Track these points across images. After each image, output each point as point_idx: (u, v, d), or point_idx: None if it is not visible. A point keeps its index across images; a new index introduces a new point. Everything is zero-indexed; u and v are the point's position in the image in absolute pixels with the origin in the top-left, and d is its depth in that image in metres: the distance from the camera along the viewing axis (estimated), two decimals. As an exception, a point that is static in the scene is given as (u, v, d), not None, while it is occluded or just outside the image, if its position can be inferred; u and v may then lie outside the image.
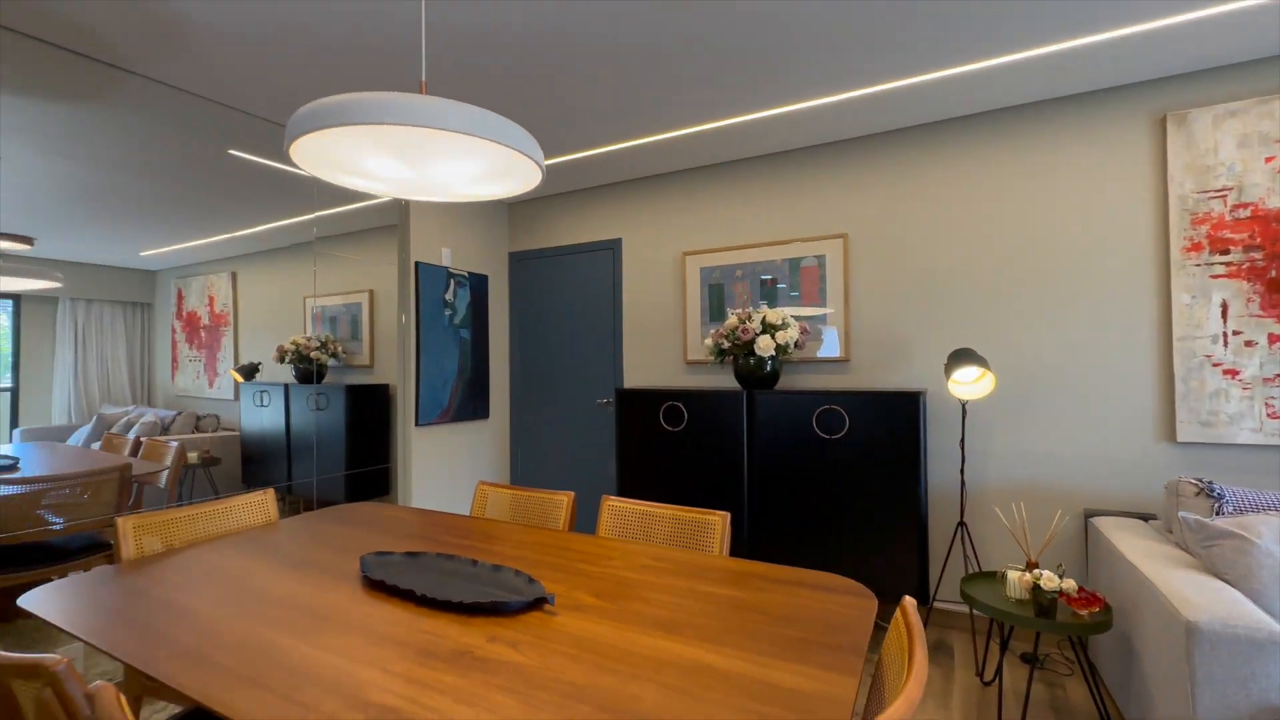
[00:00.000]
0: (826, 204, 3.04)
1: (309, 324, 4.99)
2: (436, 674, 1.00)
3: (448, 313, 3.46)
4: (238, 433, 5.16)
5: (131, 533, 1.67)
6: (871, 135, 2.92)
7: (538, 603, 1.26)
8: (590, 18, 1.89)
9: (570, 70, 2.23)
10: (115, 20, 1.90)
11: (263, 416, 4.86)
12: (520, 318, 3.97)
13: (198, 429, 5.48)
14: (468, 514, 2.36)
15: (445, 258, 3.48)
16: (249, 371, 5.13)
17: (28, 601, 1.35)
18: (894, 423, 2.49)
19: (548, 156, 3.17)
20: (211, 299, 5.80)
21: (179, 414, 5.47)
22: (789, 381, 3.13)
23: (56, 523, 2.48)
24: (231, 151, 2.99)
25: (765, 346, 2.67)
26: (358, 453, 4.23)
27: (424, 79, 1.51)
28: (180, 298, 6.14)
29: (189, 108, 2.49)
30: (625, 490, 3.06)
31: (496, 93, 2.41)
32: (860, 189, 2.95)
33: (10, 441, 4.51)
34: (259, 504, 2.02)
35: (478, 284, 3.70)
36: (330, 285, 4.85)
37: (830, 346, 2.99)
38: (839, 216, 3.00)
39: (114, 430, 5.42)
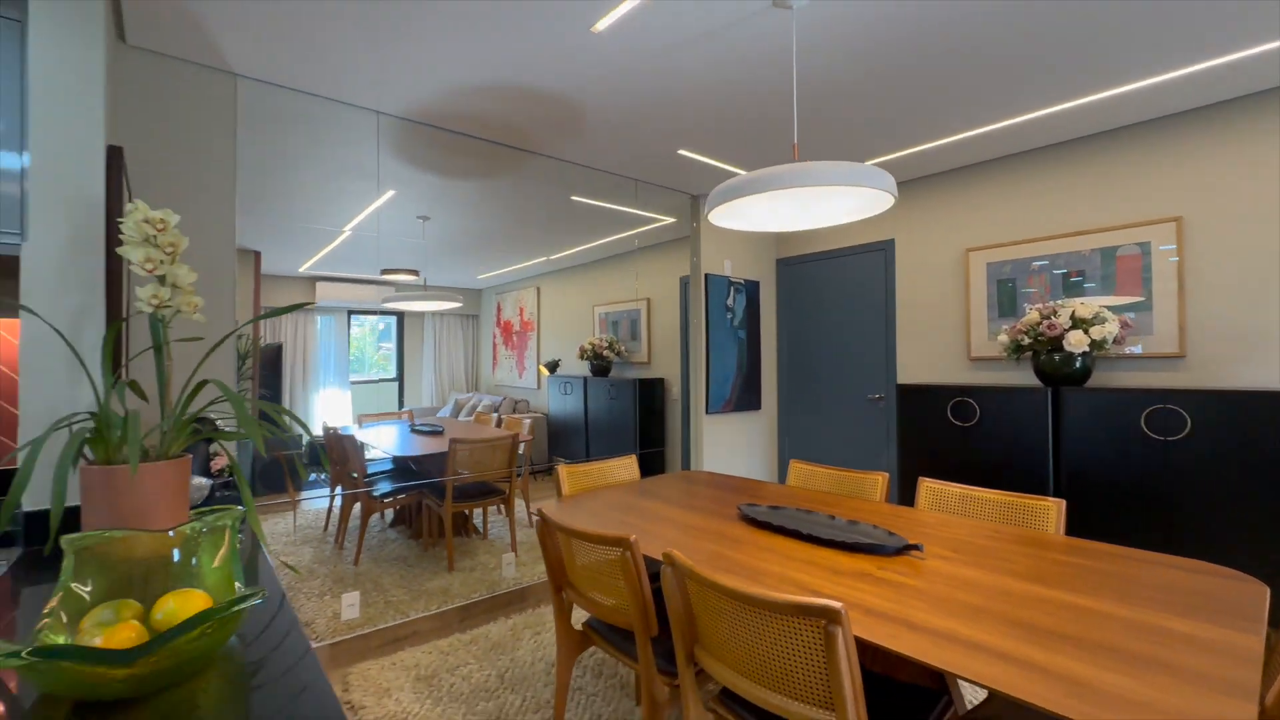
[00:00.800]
0: (1152, 186, 2.78)
1: (596, 327, 6.05)
2: (853, 583, 1.39)
3: (728, 316, 3.97)
4: (542, 414, 6.49)
5: (566, 477, 2.43)
6: (1214, 105, 2.60)
7: (907, 549, 1.57)
8: (891, 25, 2.14)
9: (859, 83, 2.50)
10: (533, 118, 2.73)
11: (565, 403, 6.04)
12: (788, 319, 4.33)
13: (515, 411, 6.98)
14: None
15: (727, 268, 4.00)
16: (553, 366, 6.40)
17: (549, 511, 2.11)
18: (1251, 426, 2.22)
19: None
20: (521, 309, 7.36)
21: (502, 399, 7.03)
22: (1101, 379, 2.93)
23: (463, 473, 3.57)
24: (573, 198, 3.90)
25: (1077, 342, 2.59)
26: (643, 436, 5.04)
27: (795, 142, 1.93)
28: (499, 309, 7.87)
29: (560, 171, 3.37)
30: (906, 480, 3.21)
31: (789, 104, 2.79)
32: (1200, 167, 2.64)
33: (400, 416, 6.23)
34: (627, 466, 2.70)
35: (751, 290, 4.15)
36: (613, 295, 5.82)
37: (1160, 341, 2.74)
38: (1170, 198, 2.73)
39: (462, 411, 7.17)
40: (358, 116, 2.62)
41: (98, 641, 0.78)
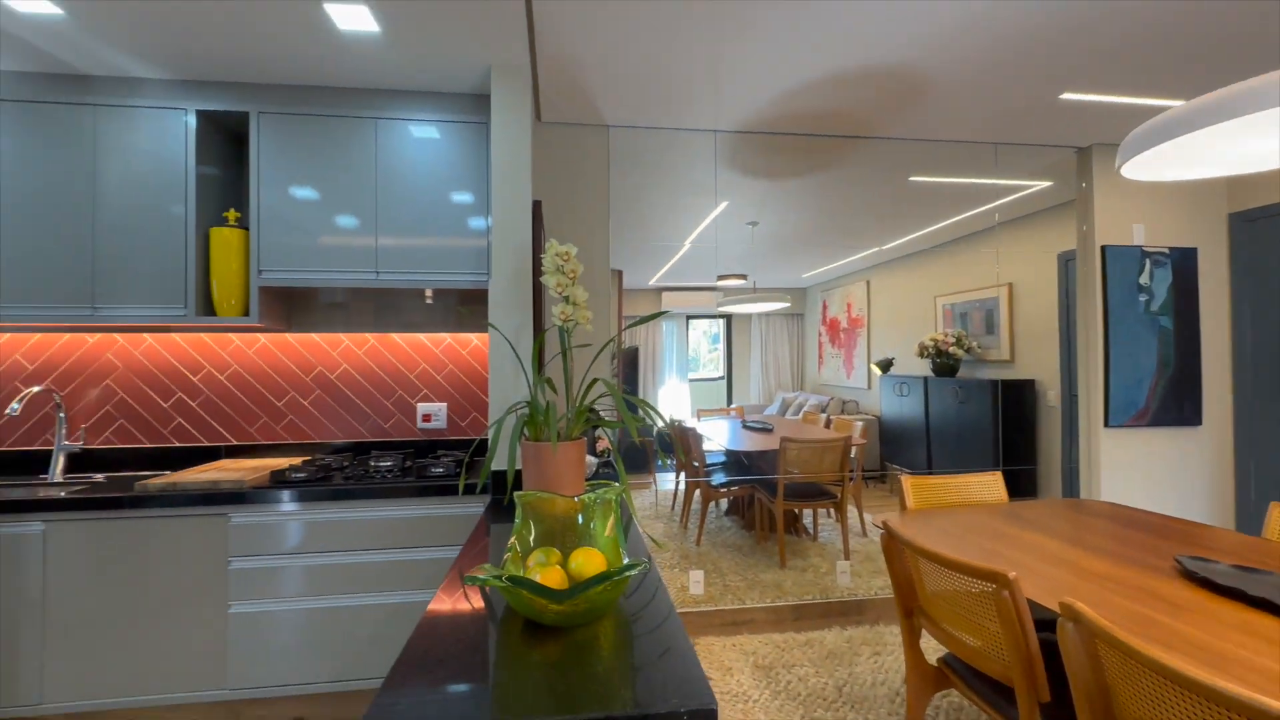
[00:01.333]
0: None
1: (939, 321, 5.33)
2: None
3: (1142, 299, 2.98)
4: (873, 417, 6.04)
5: (912, 488, 2.18)
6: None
7: None
8: None
9: None
10: (866, 101, 2.54)
11: (900, 405, 5.50)
12: (1252, 298, 3.02)
13: (844, 412, 6.69)
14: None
15: (1137, 235, 3.01)
16: (885, 365, 5.90)
17: (892, 523, 1.96)
18: None
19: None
20: (849, 305, 7.02)
21: (829, 399, 6.81)
22: None
23: (792, 473, 3.54)
24: (911, 178, 3.51)
25: None
26: (1006, 449, 4.20)
27: None
28: (824, 307, 7.68)
29: (895, 152, 3.07)
30: None
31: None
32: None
33: (729, 413, 6.51)
34: (989, 484, 2.28)
35: (1182, 261, 3.03)
36: (960, 283, 5.03)
37: None
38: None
39: (789, 410, 7.21)
40: (698, 139, 2.89)
41: (538, 578, 1.03)
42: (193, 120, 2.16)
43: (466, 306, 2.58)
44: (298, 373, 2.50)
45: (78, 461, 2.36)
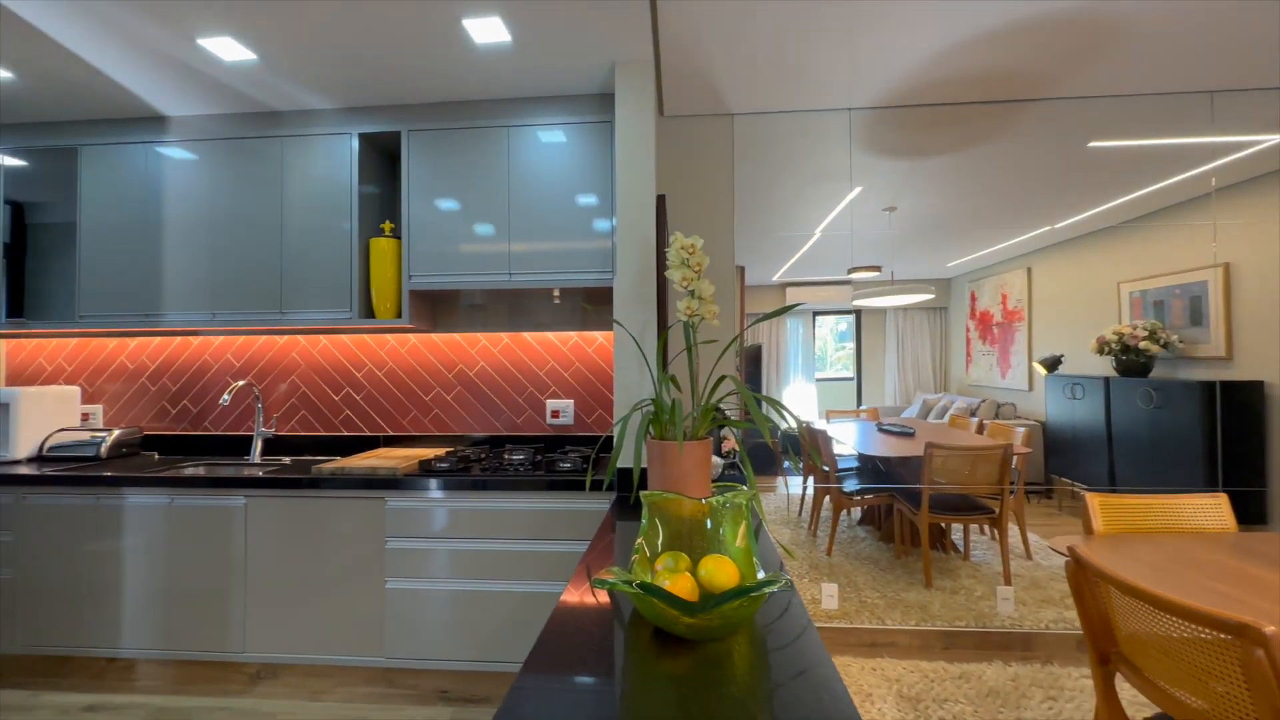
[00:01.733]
0: None
1: (1124, 311, 4.53)
2: None
3: None
4: (1036, 423, 5.29)
5: (1099, 509, 1.84)
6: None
7: None
8: None
9: None
10: (1034, 56, 2.18)
11: (1072, 410, 4.76)
12: None
13: (998, 415, 5.95)
14: None
15: None
16: (1052, 364, 5.14)
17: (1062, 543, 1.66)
18: None
19: None
20: (1004, 296, 6.23)
21: (980, 402, 6.10)
22: None
23: (939, 482, 3.16)
24: (1091, 144, 3.00)
25: None
26: (1227, 465, 3.45)
27: None
28: (973, 299, 6.90)
29: (1071, 114, 2.63)
30: None
31: None
32: None
33: (860, 415, 6.05)
34: (1209, 509, 1.85)
35: None
36: (1155, 265, 4.23)
37: None
38: None
39: (931, 412, 6.57)
40: (830, 120, 2.69)
41: (667, 584, 0.98)
42: (356, 143, 2.40)
43: (592, 304, 2.62)
44: (442, 370, 2.69)
45: (270, 446, 2.74)
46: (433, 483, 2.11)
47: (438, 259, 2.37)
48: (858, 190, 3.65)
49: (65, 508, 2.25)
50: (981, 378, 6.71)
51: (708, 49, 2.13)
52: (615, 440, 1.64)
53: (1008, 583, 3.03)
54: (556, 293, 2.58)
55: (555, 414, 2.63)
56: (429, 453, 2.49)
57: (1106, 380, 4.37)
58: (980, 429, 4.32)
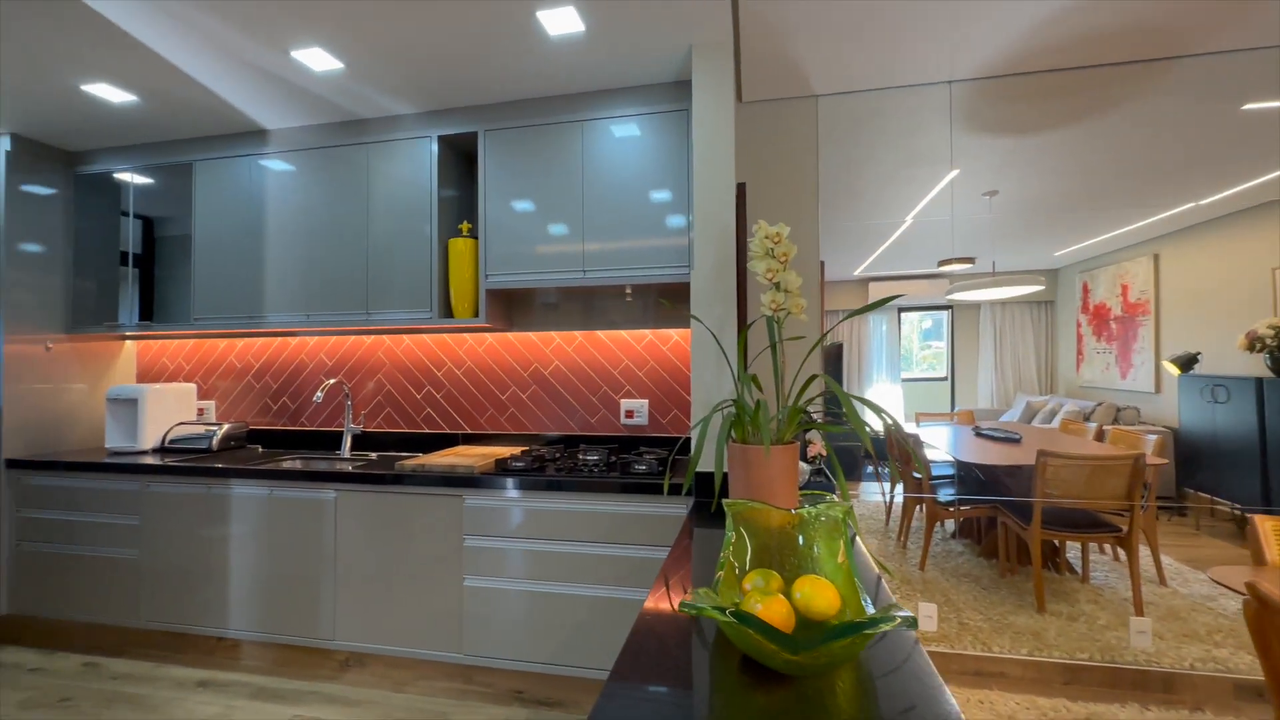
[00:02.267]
0: None
1: (1280, 302, 3.90)
2: None
3: None
4: (1165, 429, 4.67)
5: (1273, 536, 1.54)
6: None
7: None
8: None
9: None
10: (1183, 5, 1.87)
11: (1214, 415, 4.16)
12: None
13: (1118, 420, 5.33)
14: None
15: None
16: (1186, 363, 4.53)
17: (1222, 574, 1.40)
18: None
19: None
20: (1124, 288, 5.57)
21: (1096, 405, 5.49)
22: None
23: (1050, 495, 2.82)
24: (1246, 107, 2.57)
25: None
26: None
27: None
28: (1085, 291, 6.23)
29: (1219, 73, 2.26)
30: None
31: None
32: None
33: (951, 419, 5.59)
34: None
35: None
36: (1323, 247, 3.60)
37: None
38: None
39: (1036, 416, 5.99)
40: (927, 95, 2.45)
41: (758, 609, 0.87)
42: (435, 146, 2.45)
43: (667, 299, 2.54)
44: (517, 368, 2.70)
45: (358, 441, 2.85)
46: (509, 482, 2.10)
47: (513, 258, 2.37)
48: (953, 174, 3.34)
49: (181, 495, 2.43)
50: (1096, 378, 6.04)
51: (792, 24, 1.98)
52: (695, 443, 1.55)
53: (1140, 612, 2.66)
54: (629, 290, 2.52)
55: (629, 414, 2.56)
56: (505, 451, 2.50)
57: (1259, 382, 3.78)
58: (1099, 436, 3.86)
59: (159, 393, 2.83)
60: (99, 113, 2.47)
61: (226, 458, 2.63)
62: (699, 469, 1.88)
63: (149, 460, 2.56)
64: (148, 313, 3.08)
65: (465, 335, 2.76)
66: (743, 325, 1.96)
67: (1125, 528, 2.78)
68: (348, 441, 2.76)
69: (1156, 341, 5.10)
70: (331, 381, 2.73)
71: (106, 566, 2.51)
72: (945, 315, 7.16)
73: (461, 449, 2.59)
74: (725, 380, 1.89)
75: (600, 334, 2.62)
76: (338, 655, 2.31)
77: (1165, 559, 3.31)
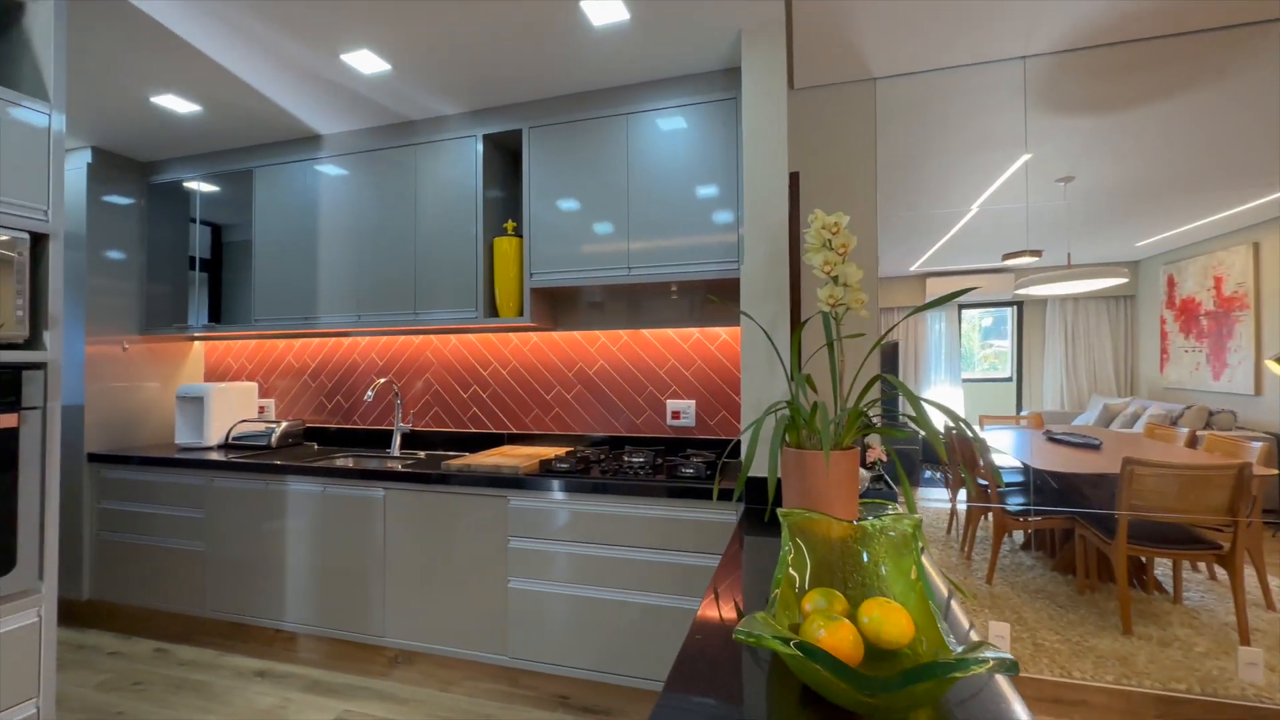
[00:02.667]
0: None
1: None
2: None
3: None
4: (1268, 436, 4.23)
5: None
6: None
7: None
8: None
9: None
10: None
11: (1333, 421, 3.73)
12: None
13: (1210, 425, 4.88)
14: None
15: None
16: (1294, 363, 4.09)
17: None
18: None
19: None
20: (1217, 280, 5.08)
21: (1187, 408, 5.04)
22: None
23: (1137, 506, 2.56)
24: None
25: None
26: None
27: None
28: (1170, 284, 5.75)
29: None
30: None
31: None
32: None
33: (1018, 423, 5.26)
34: None
35: None
36: None
37: None
38: None
39: (1115, 420, 5.57)
40: (997, 73, 2.28)
41: (822, 635, 0.78)
42: (480, 145, 2.44)
43: (716, 296, 2.45)
44: (562, 368, 2.67)
45: (407, 440, 2.89)
46: (554, 483, 2.07)
47: (557, 256, 2.34)
48: (1025, 158, 3.11)
49: (242, 491, 2.52)
50: (1184, 379, 5.54)
51: (848, 2, 1.86)
52: (746, 447, 1.47)
53: (1246, 640, 2.38)
54: (675, 287, 2.44)
55: (676, 415, 2.49)
56: (550, 452, 2.47)
57: (1386, 383, 3.36)
58: (1191, 442, 3.52)
59: (223, 391, 2.95)
60: (167, 124, 2.58)
61: (284, 455, 2.71)
62: (750, 474, 1.79)
63: (214, 456, 2.67)
64: (215, 315, 3.22)
65: (510, 335, 2.76)
66: (796, 323, 1.86)
67: (1227, 545, 2.51)
68: (397, 440, 2.80)
69: (1257, 338, 4.63)
70: (382, 381, 2.78)
71: (176, 557, 2.62)
72: (1009, 312, 6.77)
73: (507, 449, 2.58)
74: (777, 381, 1.80)
75: (646, 333, 2.56)
76: (387, 652, 2.33)
77: (1274, 580, 2.98)
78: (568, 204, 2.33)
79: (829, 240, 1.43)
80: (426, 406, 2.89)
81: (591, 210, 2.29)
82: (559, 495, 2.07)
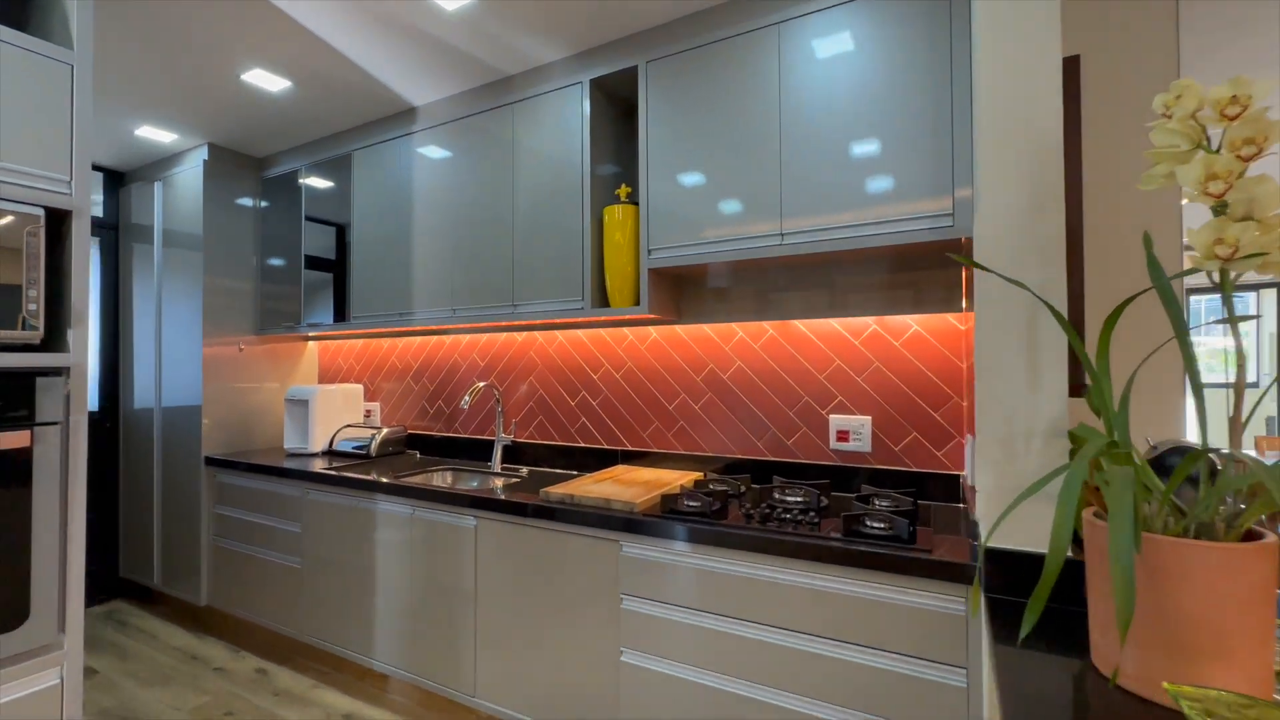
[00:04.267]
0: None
1: None
2: None
3: None
4: None
5: None
6: None
7: None
8: None
9: None
10: None
11: None
12: None
13: None
14: None
15: None
16: None
17: None
18: None
19: None
20: None
21: None
22: None
23: None
24: None
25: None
26: None
27: None
28: None
29: None
30: None
31: None
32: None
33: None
34: None
35: None
36: None
37: None
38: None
39: None
40: None
41: None
42: (586, 92, 1.97)
43: (906, 274, 1.77)
44: (688, 371, 2.12)
45: (509, 453, 2.51)
46: (678, 529, 1.52)
47: (682, 226, 1.79)
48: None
49: (333, 505, 2.27)
50: None
51: None
52: (981, 499, 0.83)
53: None
54: (845, 261, 1.79)
55: (843, 436, 1.84)
56: (673, 477, 1.93)
57: None
58: None
59: (328, 394, 2.77)
60: (262, 105, 2.41)
61: (383, 465, 2.44)
62: (995, 544, 1.10)
63: (317, 463, 2.47)
64: (340, 315, 3.08)
65: (625, 330, 2.26)
66: (1077, 295, 1.14)
67: None
68: (498, 454, 2.42)
69: None
70: (482, 385, 2.41)
71: (277, 572, 2.45)
72: None
73: (620, 472, 2.08)
74: (1046, 396, 1.09)
75: (798, 325, 1.93)
76: (479, 714, 1.94)
77: None
78: (696, 154, 1.77)
79: (1204, 140, 0.74)
80: (530, 415, 2.49)
81: (727, 164, 1.72)
82: (685, 545, 1.52)
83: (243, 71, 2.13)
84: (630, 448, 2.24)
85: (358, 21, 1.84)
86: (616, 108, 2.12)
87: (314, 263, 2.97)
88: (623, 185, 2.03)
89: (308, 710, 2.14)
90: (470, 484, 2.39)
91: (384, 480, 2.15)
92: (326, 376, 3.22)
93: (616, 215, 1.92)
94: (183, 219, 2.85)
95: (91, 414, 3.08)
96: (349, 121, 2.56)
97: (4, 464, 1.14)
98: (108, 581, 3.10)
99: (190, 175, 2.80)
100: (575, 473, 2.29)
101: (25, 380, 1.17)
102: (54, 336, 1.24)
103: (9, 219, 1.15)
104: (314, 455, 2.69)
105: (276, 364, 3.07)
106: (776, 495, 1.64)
